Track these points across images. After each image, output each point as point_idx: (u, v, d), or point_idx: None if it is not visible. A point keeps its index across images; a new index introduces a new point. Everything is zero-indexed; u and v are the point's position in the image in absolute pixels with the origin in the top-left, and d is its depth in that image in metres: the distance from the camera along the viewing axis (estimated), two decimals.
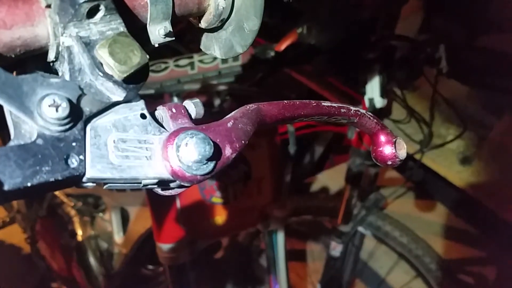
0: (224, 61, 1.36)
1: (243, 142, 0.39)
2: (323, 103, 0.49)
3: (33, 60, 0.37)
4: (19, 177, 0.30)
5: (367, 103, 1.53)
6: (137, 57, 0.34)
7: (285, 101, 0.46)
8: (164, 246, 1.37)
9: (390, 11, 1.62)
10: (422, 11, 2.03)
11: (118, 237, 1.75)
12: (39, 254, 1.98)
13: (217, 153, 0.37)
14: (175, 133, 0.36)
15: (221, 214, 1.37)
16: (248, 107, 0.42)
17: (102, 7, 0.34)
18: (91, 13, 0.34)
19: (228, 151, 0.38)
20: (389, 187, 2.11)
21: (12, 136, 0.32)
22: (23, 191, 0.30)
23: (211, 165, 0.36)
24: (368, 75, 1.53)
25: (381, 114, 1.58)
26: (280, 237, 1.59)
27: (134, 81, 0.35)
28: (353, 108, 0.52)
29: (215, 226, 1.38)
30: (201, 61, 1.35)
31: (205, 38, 0.49)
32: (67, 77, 0.35)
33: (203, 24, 0.46)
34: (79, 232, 1.87)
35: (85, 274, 1.87)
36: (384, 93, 1.56)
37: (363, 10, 1.43)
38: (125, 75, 0.33)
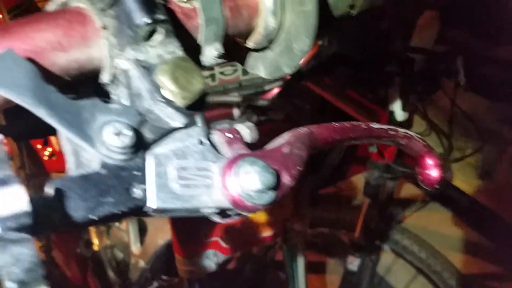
0: (245, 73, 1.35)
1: (299, 169, 0.38)
2: (372, 125, 0.47)
3: (84, 83, 0.36)
4: (82, 209, 0.29)
5: (388, 116, 1.51)
6: (198, 83, 0.33)
7: (335, 123, 0.44)
8: (184, 259, 1.36)
9: (406, 22, 1.61)
10: (437, 23, 2.01)
11: (135, 248, 1.74)
12: (54, 262, 1.98)
13: (277, 181, 0.35)
14: (234, 161, 0.35)
15: (242, 228, 1.36)
16: (299, 130, 0.41)
17: (161, 30, 0.33)
18: (150, 35, 0.33)
19: (286, 179, 0.37)
20: (407, 201, 2.08)
21: (71, 165, 0.31)
22: (86, 223, 0.29)
23: (272, 194, 0.35)
24: (389, 88, 1.51)
25: (402, 127, 1.55)
26: (300, 251, 1.57)
27: (194, 107, 0.33)
28: (400, 130, 0.50)
29: (236, 240, 1.36)
30: (222, 72, 1.35)
31: (250, 58, 0.48)
32: (124, 102, 0.33)
33: (250, 44, 0.45)
34: (95, 242, 1.86)
35: (100, 284, 1.86)
36: (405, 106, 1.54)
37: (382, 21, 1.41)
38: (188, 101, 0.32)
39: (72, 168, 0.31)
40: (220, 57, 0.40)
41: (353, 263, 1.82)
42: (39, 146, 1.74)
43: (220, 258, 1.40)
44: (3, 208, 0.24)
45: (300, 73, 1.43)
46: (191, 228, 1.32)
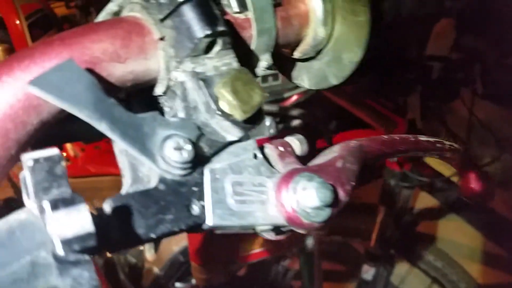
0: (264, 80, 1.34)
1: (352, 184, 0.37)
2: (420, 138, 0.46)
3: (137, 94, 0.35)
4: (143, 227, 0.28)
5: (407, 125, 1.50)
6: (258, 96, 0.32)
7: (384, 136, 0.43)
8: (200, 267, 1.34)
9: (423, 29, 1.60)
10: (452, 31, 1.99)
11: (150, 254, 1.73)
12: None
13: (335, 198, 0.34)
14: (289, 176, 0.34)
15: (259, 236, 1.34)
16: (350, 143, 0.40)
17: (219, 41, 0.32)
18: (209, 47, 0.32)
19: (341, 195, 0.35)
20: (423, 210, 2.06)
21: (127, 179, 0.30)
22: (144, 242, 0.28)
23: (328, 211, 0.33)
24: (409, 96, 1.50)
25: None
26: (316, 260, 1.55)
27: (252, 120, 0.32)
28: (447, 143, 0.49)
29: (253, 248, 1.35)
30: None
31: (294, 68, 0.47)
32: (180, 115, 0.32)
33: (296, 54, 0.44)
34: None
35: None
36: (424, 114, 1.53)
37: (399, 29, 1.40)
38: (247, 115, 0.31)
39: (128, 183, 0.30)
40: (269, 68, 0.39)
41: (368, 272, 1.80)
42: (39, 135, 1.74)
43: (236, 266, 1.39)
44: (67, 229, 0.23)
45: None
46: (207, 235, 1.31)
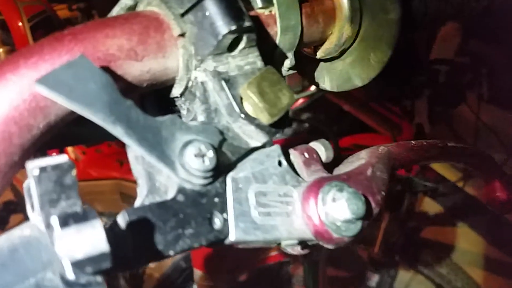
0: None
1: (383, 194, 0.34)
2: (448, 144, 0.43)
3: (151, 95, 0.33)
4: (160, 244, 0.25)
5: (414, 129, 1.47)
6: (286, 98, 0.29)
7: (412, 141, 0.40)
8: (203, 274, 1.31)
9: (429, 33, 1.58)
10: (458, 34, 1.98)
11: None
12: None
13: (367, 210, 0.31)
14: (316, 185, 0.31)
15: None
16: (378, 150, 0.37)
17: (244, 39, 0.29)
18: (234, 45, 0.29)
19: (372, 206, 0.33)
20: (427, 215, 2.03)
21: (143, 189, 0.27)
22: (161, 258, 0.25)
23: (359, 224, 0.31)
24: (416, 100, 1.47)
25: (427, 140, 1.52)
26: (321, 266, 1.52)
27: (278, 124, 0.29)
28: (475, 151, 0.46)
29: (257, 255, 1.32)
30: None
31: (314, 68, 0.44)
32: (200, 118, 0.30)
33: (319, 53, 0.41)
34: None
35: None
36: (432, 118, 1.50)
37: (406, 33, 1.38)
38: (275, 118, 0.28)
39: (143, 193, 0.27)
40: (292, 68, 0.36)
41: (372, 279, 1.77)
42: (54, 155, 1.71)
43: (241, 274, 1.36)
44: (79, 249, 0.20)
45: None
46: None
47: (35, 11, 1.82)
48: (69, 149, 1.66)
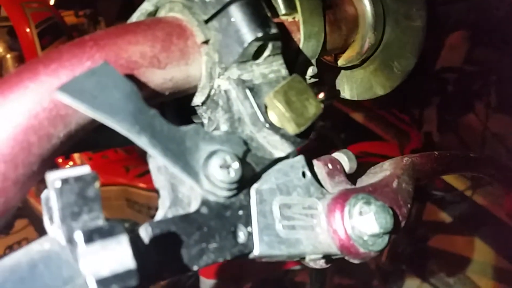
0: None
1: (409, 206, 0.33)
2: (471, 155, 0.42)
3: (171, 102, 0.32)
4: (184, 258, 0.24)
5: (423, 137, 1.46)
6: (313, 107, 0.28)
7: (436, 152, 0.39)
8: (209, 281, 1.30)
9: (437, 41, 1.57)
10: (465, 43, 1.97)
11: None
12: None
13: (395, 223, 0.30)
14: (342, 197, 0.30)
15: None
16: (402, 161, 0.36)
17: (269, 46, 0.28)
18: (259, 52, 0.28)
19: (399, 219, 0.31)
20: (434, 224, 2.01)
21: (166, 201, 0.26)
22: (185, 273, 0.24)
23: (386, 238, 0.29)
24: (425, 108, 1.46)
25: (435, 148, 1.51)
26: (328, 275, 1.51)
27: (303, 134, 0.28)
28: (497, 162, 0.45)
29: (262, 263, 1.30)
30: None
31: (334, 76, 0.43)
32: (223, 128, 0.29)
33: (340, 61, 0.40)
34: None
35: None
36: (440, 126, 1.50)
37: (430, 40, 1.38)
38: (301, 128, 0.27)
39: (166, 205, 0.26)
40: (314, 76, 0.35)
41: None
42: (60, 160, 1.71)
43: (247, 281, 1.34)
44: (104, 266, 0.19)
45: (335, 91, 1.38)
46: None
47: (43, 18, 1.82)
48: (75, 155, 1.65)
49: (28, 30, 1.73)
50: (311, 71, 0.35)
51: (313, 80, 0.35)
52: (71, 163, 1.70)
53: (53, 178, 0.21)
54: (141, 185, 1.55)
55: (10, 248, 1.97)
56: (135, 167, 1.63)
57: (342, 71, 0.42)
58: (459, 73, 1.55)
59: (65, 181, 0.21)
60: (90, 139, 0.34)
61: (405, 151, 1.49)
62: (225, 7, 0.27)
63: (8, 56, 1.84)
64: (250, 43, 0.27)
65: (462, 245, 2.16)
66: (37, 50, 1.75)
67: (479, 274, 1.95)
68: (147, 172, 1.73)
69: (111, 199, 1.60)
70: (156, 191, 0.27)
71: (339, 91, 0.43)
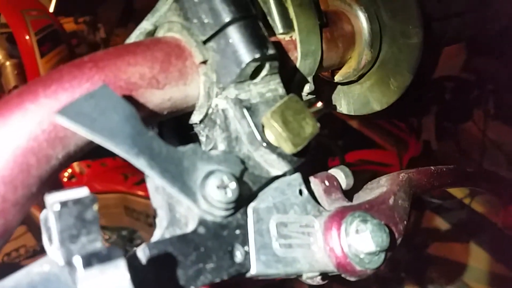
0: None
1: (405, 223, 0.33)
2: (468, 170, 0.42)
3: (168, 121, 0.32)
4: (181, 279, 0.24)
5: (421, 146, 1.47)
6: (309, 127, 0.28)
7: (432, 167, 0.39)
8: None
9: (435, 50, 1.57)
10: (463, 52, 1.98)
11: None
12: None
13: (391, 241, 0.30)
14: (338, 215, 0.30)
15: None
16: (399, 176, 0.36)
17: (267, 66, 0.29)
18: (257, 72, 0.28)
19: (395, 236, 0.32)
20: (432, 231, 2.01)
21: (163, 221, 0.26)
22: None
23: (382, 256, 0.30)
24: (424, 117, 1.47)
25: (433, 156, 1.51)
26: (327, 282, 1.51)
27: (299, 153, 0.29)
28: (493, 175, 0.45)
29: None
30: None
31: (331, 92, 0.43)
32: (221, 146, 0.29)
33: (337, 77, 0.40)
34: None
35: None
36: (439, 135, 1.50)
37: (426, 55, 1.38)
38: (298, 148, 0.27)
39: (163, 225, 0.26)
40: (311, 93, 0.36)
41: None
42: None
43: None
44: None
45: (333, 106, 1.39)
46: None
47: (42, 25, 1.83)
48: (74, 162, 1.65)
49: (27, 37, 1.73)
50: (308, 88, 0.35)
51: (310, 96, 0.36)
52: (69, 170, 1.70)
53: (52, 201, 0.21)
54: (140, 192, 1.55)
55: (8, 255, 1.97)
56: (133, 174, 1.63)
57: (339, 86, 0.42)
58: (457, 82, 1.56)
59: (64, 204, 0.21)
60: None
61: (403, 159, 1.49)
62: (223, 28, 0.27)
63: (7, 63, 1.84)
64: (247, 64, 0.27)
65: (461, 252, 2.16)
66: (37, 57, 1.75)
67: (478, 281, 1.95)
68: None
69: (109, 206, 1.60)
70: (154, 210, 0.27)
71: (335, 105, 0.43)
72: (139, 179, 1.60)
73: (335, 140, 1.70)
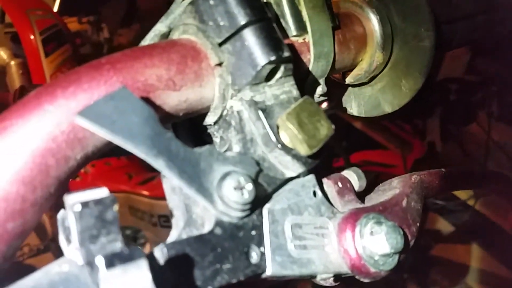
0: None
1: (418, 225, 0.33)
2: (478, 171, 0.42)
3: (183, 123, 0.32)
4: (199, 279, 0.24)
5: (426, 147, 1.47)
6: (324, 129, 0.28)
7: (443, 169, 0.39)
8: None
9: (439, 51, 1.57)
10: (467, 53, 1.98)
11: None
12: None
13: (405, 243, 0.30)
14: (352, 217, 0.30)
15: None
16: (412, 178, 0.36)
17: (282, 68, 0.29)
18: (272, 74, 0.29)
19: (409, 238, 0.32)
20: (437, 232, 2.01)
21: (180, 222, 0.26)
22: None
23: (396, 258, 0.30)
24: (428, 118, 1.47)
25: (438, 158, 1.51)
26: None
27: (314, 155, 0.29)
28: (503, 177, 0.45)
29: None
30: None
31: (342, 93, 0.44)
32: (236, 148, 0.29)
33: (348, 79, 0.40)
34: None
35: None
36: (443, 136, 1.50)
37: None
38: (314, 150, 0.28)
39: (180, 226, 0.26)
40: (323, 95, 0.36)
41: None
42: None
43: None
44: None
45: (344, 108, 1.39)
46: None
47: (47, 25, 1.84)
48: None
49: (32, 37, 1.74)
50: (320, 90, 0.35)
51: (322, 98, 0.36)
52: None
53: (73, 201, 0.21)
54: (144, 192, 1.55)
55: None
56: (138, 174, 1.63)
57: (350, 88, 0.42)
58: (461, 83, 1.56)
59: (85, 204, 0.21)
60: None
61: (407, 161, 1.49)
62: (239, 30, 0.27)
63: (12, 63, 1.84)
64: (263, 66, 0.27)
65: (464, 254, 2.16)
66: (41, 57, 1.76)
67: (481, 283, 1.95)
68: (150, 179, 1.72)
69: None
70: (170, 211, 0.27)
71: (346, 107, 0.43)
72: (144, 179, 1.61)
73: (339, 140, 1.70)
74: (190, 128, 0.34)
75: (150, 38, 0.31)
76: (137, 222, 1.67)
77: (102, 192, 0.22)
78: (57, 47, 1.87)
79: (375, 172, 1.89)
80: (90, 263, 0.21)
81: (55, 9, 2.31)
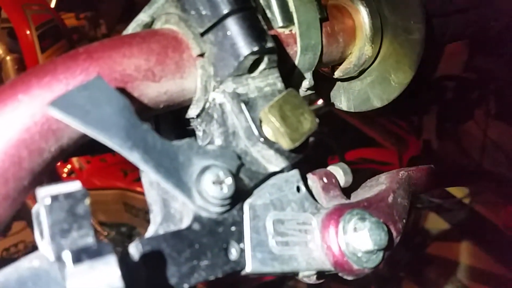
0: None
1: (404, 221, 0.33)
2: (468, 169, 0.42)
3: (165, 114, 0.31)
4: (174, 276, 0.23)
5: (421, 145, 1.46)
6: (308, 122, 0.27)
7: (432, 166, 0.39)
8: (204, 287, 1.29)
9: (436, 49, 1.57)
10: (465, 51, 1.97)
11: None
12: None
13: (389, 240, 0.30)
14: (336, 213, 0.29)
15: None
16: (399, 174, 0.36)
17: (265, 60, 0.28)
18: (255, 66, 0.28)
19: (394, 235, 0.31)
20: (433, 231, 2.01)
21: (157, 217, 0.26)
22: None
23: (380, 255, 0.29)
24: (425, 116, 1.46)
25: (434, 156, 1.51)
26: (326, 281, 1.50)
27: (298, 149, 0.28)
28: (495, 175, 0.45)
29: None
30: None
31: (331, 88, 0.43)
32: (217, 141, 0.28)
33: (337, 73, 0.40)
34: None
35: None
36: (439, 134, 1.50)
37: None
38: (296, 144, 0.27)
39: (157, 221, 0.26)
40: (310, 88, 0.35)
41: None
42: (58, 164, 1.70)
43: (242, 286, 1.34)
44: (92, 287, 0.19)
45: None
46: None
47: (43, 20, 1.82)
48: (74, 158, 1.65)
49: (28, 32, 1.73)
50: (307, 83, 0.34)
51: (309, 92, 0.35)
52: (69, 166, 1.70)
53: (43, 194, 0.21)
54: (139, 189, 1.54)
55: (7, 251, 1.96)
56: (133, 171, 1.63)
57: (339, 82, 0.42)
58: (458, 81, 1.56)
59: (55, 198, 0.21)
60: (88, 144, 0.34)
61: (403, 158, 1.48)
62: (221, 20, 0.27)
63: (8, 58, 1.83)
64: (245, 57, 0.27)
65: (460, 252, 2.15)
66: (37, 52, 1.75)
67: (476, 282, 1.95)
68: None
69: (108, 203, 1.60)
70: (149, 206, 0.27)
71: (335, 102, 0.43)
72: (139, 176, 1.60)
73: (335, 138, 1.70)
74: (174, 123, 0.33)
75: (132, 29, 0.30)
76: (132, 219, 1.67)
77: (74, 186, 0.21)
78: (53, 43, 1.86)
79: (371, 169, 1.88)
80: (59, 258, 0.20)
81: (53, 4, 2.30)
